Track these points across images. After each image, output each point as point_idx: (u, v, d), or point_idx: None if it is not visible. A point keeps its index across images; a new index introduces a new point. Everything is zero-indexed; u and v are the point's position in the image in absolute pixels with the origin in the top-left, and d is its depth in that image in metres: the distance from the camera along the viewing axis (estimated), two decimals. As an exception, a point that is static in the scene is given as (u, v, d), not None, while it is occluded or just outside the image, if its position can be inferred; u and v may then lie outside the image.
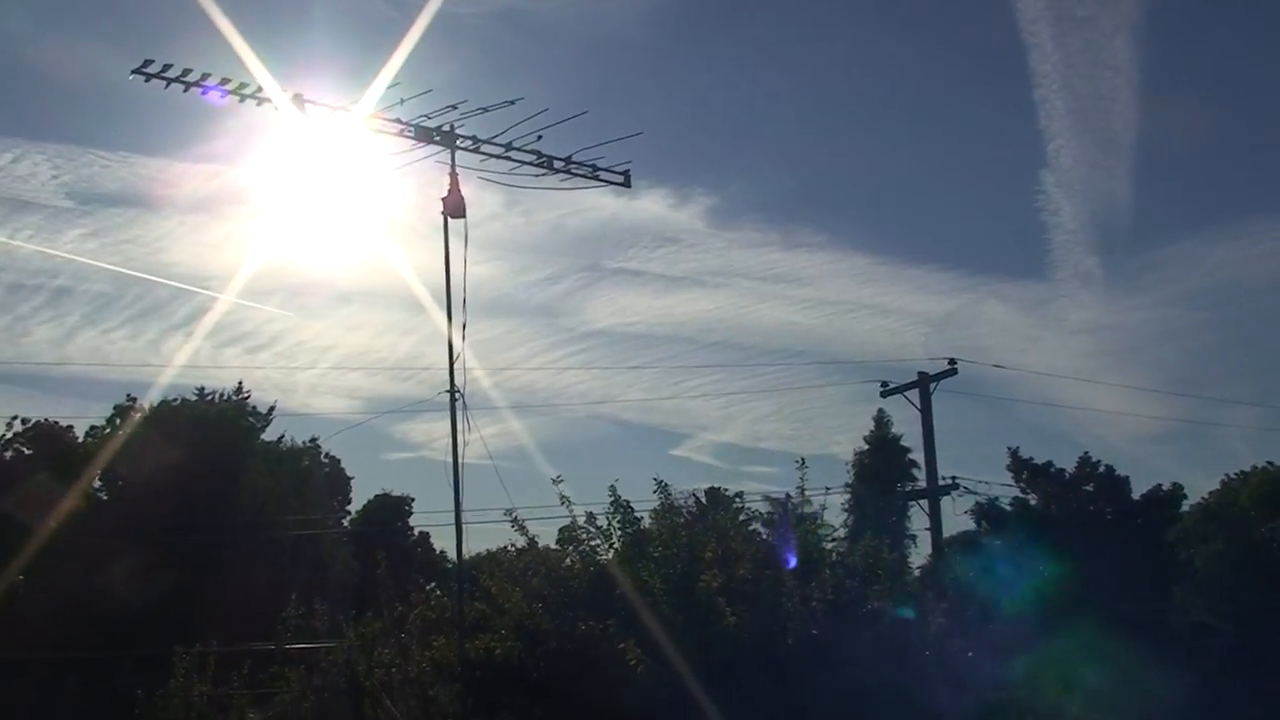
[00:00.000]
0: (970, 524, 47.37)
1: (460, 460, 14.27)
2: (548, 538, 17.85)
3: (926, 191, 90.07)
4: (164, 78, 13.53)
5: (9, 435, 48.37)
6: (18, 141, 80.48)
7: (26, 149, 77.18)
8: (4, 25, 78.23)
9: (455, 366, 14.76)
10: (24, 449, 48.40)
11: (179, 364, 73.15)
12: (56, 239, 73.08)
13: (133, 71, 13.40)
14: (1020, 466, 47.35)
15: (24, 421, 48.78)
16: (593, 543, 16.40)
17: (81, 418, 56.94)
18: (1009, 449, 47.45)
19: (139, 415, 48.78)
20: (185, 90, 13.61)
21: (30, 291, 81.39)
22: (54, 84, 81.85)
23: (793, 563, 15.82)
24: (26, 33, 78.08)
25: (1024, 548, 33.98)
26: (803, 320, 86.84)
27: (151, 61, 13.41)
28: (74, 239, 74.56)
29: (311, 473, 52.93)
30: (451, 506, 14.64)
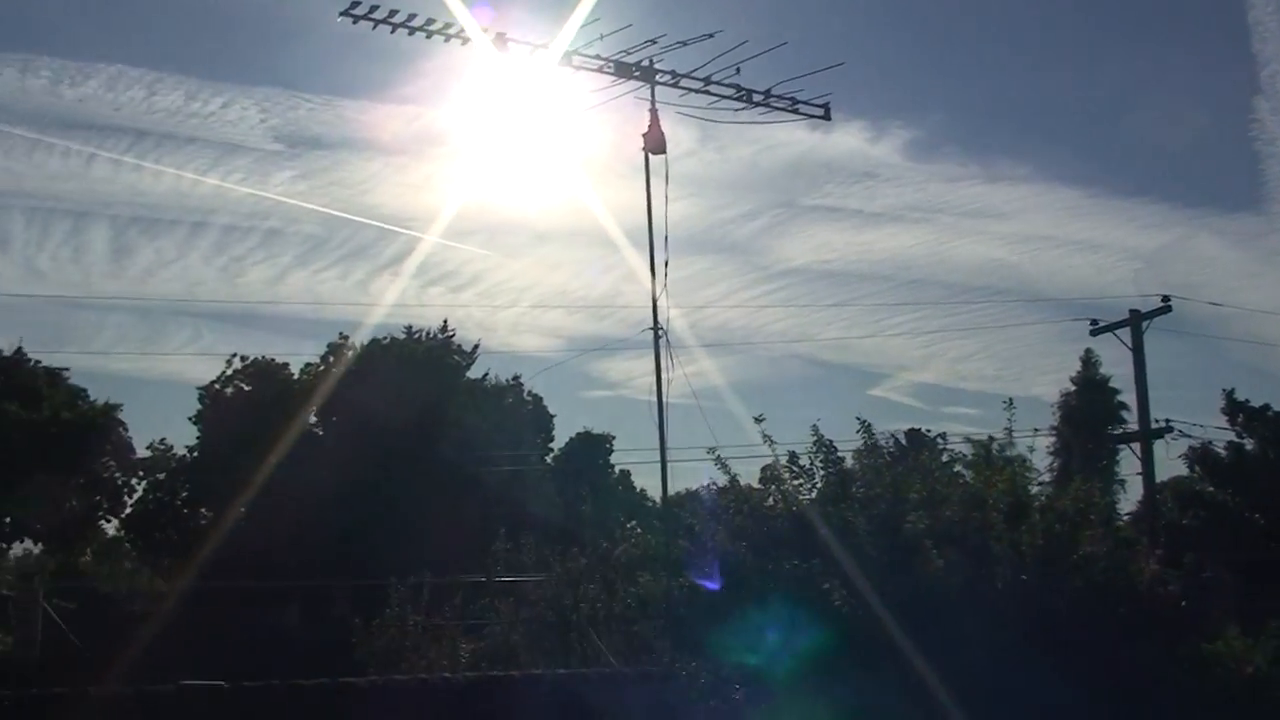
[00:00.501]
0: (1183, 469, 45.77)
1: (665, 398, 14.32)
2: (748, 477, 17.81)
3: (1135, 120, 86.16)
4: (371, 19, 13.80)
5: (229, 372, 50.83)
6: (226, 87, 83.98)
7: (235, 95, 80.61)
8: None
9: (657, 304, 14.78)
10: (243, 385, 50.75)
11: (386, 303, 75.74)
12: (266, 181, 76.23)
13: (340, 13, 13.71)
14: (1236, 409, 45.32)
15: (243, 359, 51.21)
16: (795, 482, 16.25)
17: (295, 355, 59.38)
18: (1224, 391, 45.57)
19: (350, 353, 50.54)
20: (392, 31, 13.86)
21: (244, 233, 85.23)
22: (259, 29, 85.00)
23: None
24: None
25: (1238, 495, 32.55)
26: (1006, 256, 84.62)
27: (359, 3, 13.68)
28: (283, 181, 77.64)
29: (515, 410, 54.00)
30: (652, 444, 14.78)
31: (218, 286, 74.90)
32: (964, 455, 19.06)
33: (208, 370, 61.71)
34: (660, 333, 14.47)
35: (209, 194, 76.25)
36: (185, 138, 75.60)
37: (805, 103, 15.87)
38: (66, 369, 51.48)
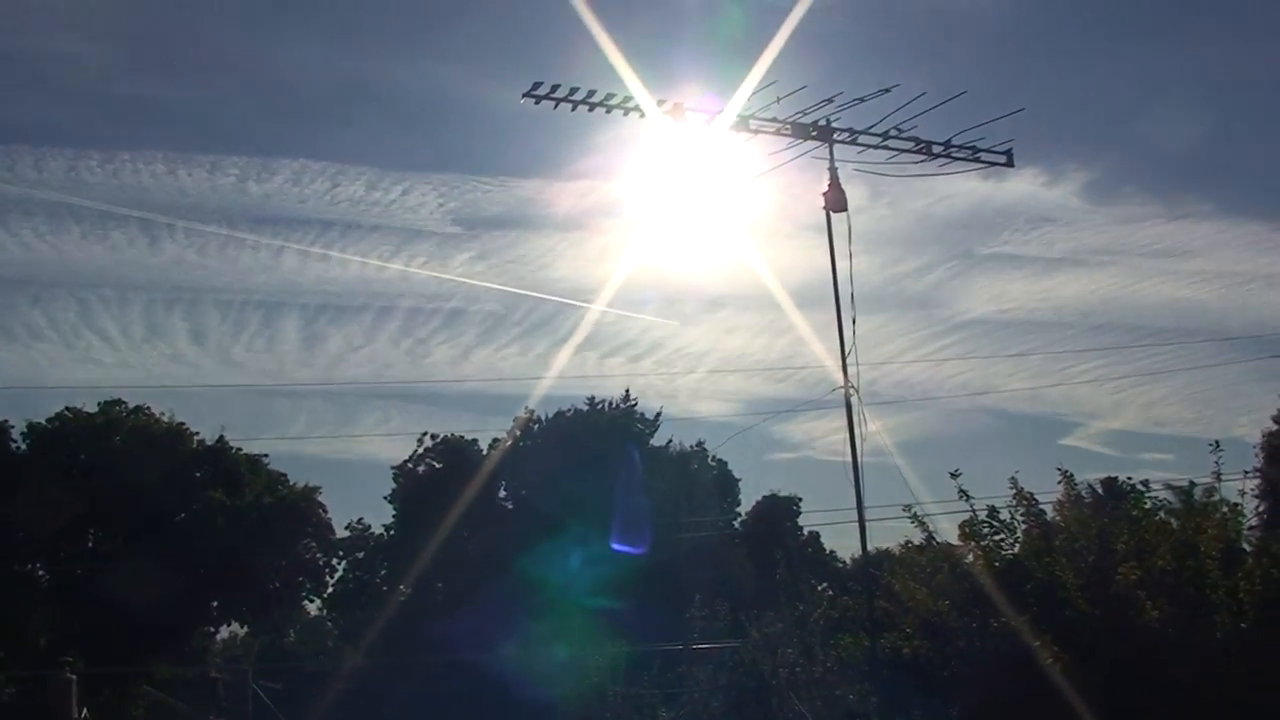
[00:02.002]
0: None
1: (860, 457, 14.21)
2: (944, 534, 17.48)
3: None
4: (553, 98, 14.17)
5: (420, 450, 52.20)
6: (406, 175, 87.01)
7: (414, 182, 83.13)
8: (386, 64, 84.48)
9: (846, 362, 14.71)
10: (434, 463, 52.02)
11: (567, 375, 76.89)
12: (447, 264, 78.43)
13: (524, 94, 14.11)
14: None
15: (433, 437, 52.56)
16: (996, 537, 15.88)
17: (481, 431, 60.68)
18: None
19: (536, 426, 51.40)
20: (573, 109, 14.21)
21: (427, 315, 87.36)
22: (434, 118, 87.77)
23: None
24: (405, 70, 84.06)
25: None
26: (1193, 295, 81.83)
27: (540, 83, 14.08)
28: (463, 262, 79.71)
29: (700, 475, 54.04)
30: (838, 504, 14.70)
31: (405, 368, 77.16)
32: (1168, 502, 18.39)
33: (400, 450, 63.49)
34: (852, 390, 14.35)
35: (393, 279, 78.78)
36: (369, 226, 78.29)
37: (986, 150, 15.69)
38: (266, 455, 53.41)
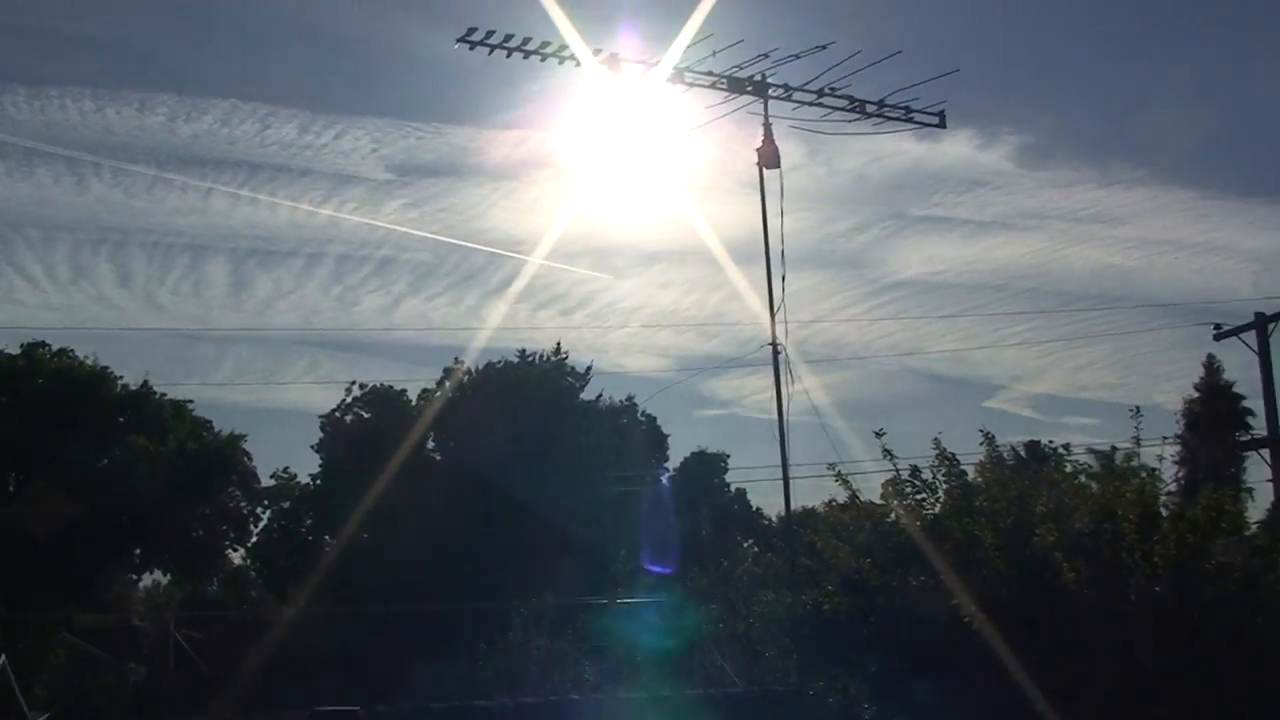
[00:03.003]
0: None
1: (785, 415, 14.28)
2: (868, 493, 17.64)
3: (1254, 118, 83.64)
4: (487, 44, 14.01)
5: (349, 400, 51.72)
6: (340, 118, 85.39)
7: (348, 125, 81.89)
8: (323, 7, 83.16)
9: (775, 319, 14.75)
10: (362, 412, 51.59)
11: (498, 327, 76.44)
12: (379, 210, 77.30)
13: (458, 40, 13.94)
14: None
15: (361, 386, 52.10)
16: (918, 497, 16.08)
17: (411, 381, 59.92)
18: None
19: (466, 377, 51.10)
20: (507, 56, 14.05)
21: (358, 262, 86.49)
22: (367, 61, 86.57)
23: None
24: (341, 13, 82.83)
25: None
26: (1123, 262, 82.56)
27: (475, 29, 13.89)
28: (395, 210, 78.70)
29: (629, 431, 54.04)
30: (766, 462, 14.77)
31: (334, 316, 76.22)
32: (1088, 466, 18.69)
33: (327, 399, 62.86)
34: (779, 349, 14.39)
35: (323, 224, 77.78)
36: (299, 170, 76.94)
37: (920, 111, 15.79)
38: (191, 401, 52.68)
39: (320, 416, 51.99)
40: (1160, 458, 16.45)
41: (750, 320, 15.13)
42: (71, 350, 50.55)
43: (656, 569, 36.56)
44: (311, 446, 51.69)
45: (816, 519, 19.91)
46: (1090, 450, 20.71)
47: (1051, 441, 19.85)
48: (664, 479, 51.48)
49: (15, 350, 49.52)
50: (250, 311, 74.58)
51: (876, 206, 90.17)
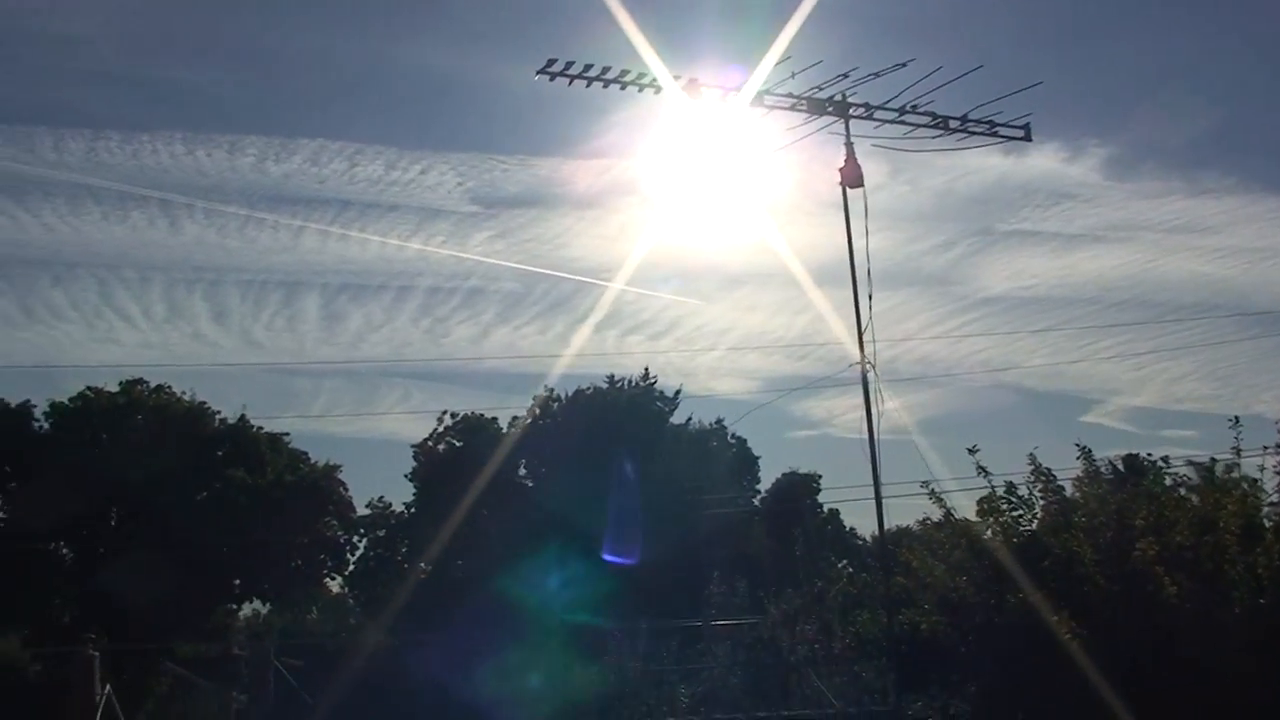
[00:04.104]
0: None
1: (877, 434, 14.23)
2: (963, 511, 17.49)
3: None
4: (567, 75, 14.14)
5: (440, 429, 52.34)
6: (425, 154, 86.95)
7: (433, 161, 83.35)
8: (402, 44, 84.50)
9: (863, 339, 14.72)
10: (454, 441, 52.19)
11: (587, 354, 77.00)
12: (466, 243, 78.45)
13: (538, 71, 14.08)
14: None
15: (452, 416, 52.72)
16: (1014, 513, 15.88)
17: (501, 409, 60.62)
18: None
19: (555, 405, 51.47)
20: (588, 85, 14.19)
21: (447, 294, 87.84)
22: (453, 97, 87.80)
23: None
24: (423, 50, 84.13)
25: None
26: (1215, 271, 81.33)
27: (554, 60, 14.03)
28: (481, 241, 79.80)
29: (720, 453, 54.11)
30: (857, 481, 14.74)
31: (424, 347, 77.30)
32: (1188, 479, 18.37)
33: (419, 429, 63.74)
34: (868, 368, 14.35)
35: (412, 258, 79.00)
36: (387, 205, 78.35)
37: (1004, 125, 15.66)
38: (287, 434, 53.63)
39: (413, 446, 52.83)
40: (1262, 468, 16.07)
41: (838, 340, 15.13)
42: (169, 386, 51.67)
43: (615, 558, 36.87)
44: (405, 475, 52.52)
45: (911, 538, 19.79)
46: (1189, 462, 20.37)
47: (1150, 455, 19.52)
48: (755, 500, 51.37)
49: (115, 388, 50.67)
50: (343, 345, 76.00)
51: (962, 223, 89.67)
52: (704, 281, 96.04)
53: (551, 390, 52.21)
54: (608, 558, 40.24)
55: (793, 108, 15.18)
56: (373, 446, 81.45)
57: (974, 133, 15.64)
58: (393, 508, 53.87)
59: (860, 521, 65.79)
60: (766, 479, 59.24)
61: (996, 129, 15.69)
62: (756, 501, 57.88)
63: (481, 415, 52.94)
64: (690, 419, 53.58)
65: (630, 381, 52.16)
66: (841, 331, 15.76)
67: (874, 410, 14.50)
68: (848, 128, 15.13)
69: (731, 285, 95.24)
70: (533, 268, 77.45)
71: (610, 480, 43.66)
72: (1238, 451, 15.83)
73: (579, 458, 46.08)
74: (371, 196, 77.27)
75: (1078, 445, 16.11)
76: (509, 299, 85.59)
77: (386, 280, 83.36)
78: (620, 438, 46.96)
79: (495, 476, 46.59)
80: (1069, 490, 16.07)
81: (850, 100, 15.17)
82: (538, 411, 51.52)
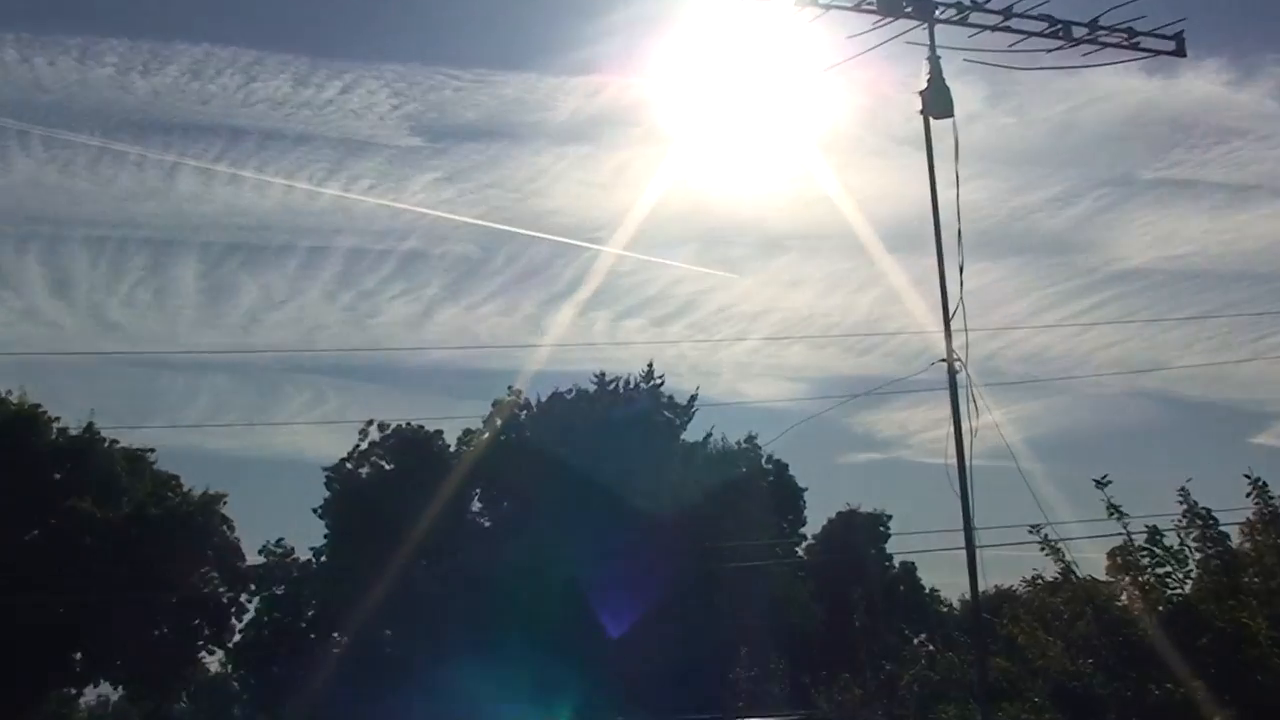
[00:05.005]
0: None
1: (968, 459, 14.20)
2: (1088, 566, 17.55)
3: None
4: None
5: (365, 445, 52.34)
6: (349, 66, 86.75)
7: (359, 74, 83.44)
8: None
9: (951, 326, 14.75)
10: (384, 462, 52.22)
11: (570, 343, 76.86)
12: (403, 188, 78.31)
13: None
14: None
15: (382, 427, 52.67)
16: (1160, 570, 15.98)
17: (449, 419, 60.87)
18: None
19: (524, 413, 51.51)
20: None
21: (376, 259, 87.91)
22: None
23: None
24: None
25: None
26: None
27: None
28: (426, 187, 79.78)
29: (751, 483, 54.03)
30: (945, 524, 14.76)
31: (344, 332, 77.37)
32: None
33: (336, 444, 63.68)
34: (957, 368, 14.33)
35: (328, 209, 79.25)
36: (295, 136, 78.89)
37: (1149, 34, 15.60)
38: (151, 450, 53.41)
39: (326, 469, 52.71)
40: None
41: (915, 328, 15.17)
42: (-11, 382, 51.42)
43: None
44: (314, 510, 52.47)
45: (1015, 604, 19.86)
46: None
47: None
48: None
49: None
50: (231, 327, 76.01)
51: (1089, 168, 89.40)
52: (732, 246, 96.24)
53: (519, 394, 52.19)
54: (606, 627, 40.39)
55: (858, 7, 15.14)
56: (270, 468, 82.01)
57: (1106, 44, 15.60)
58: (296, 555, 54.00)
59: (944, 579, 65.77)
60: (815, 519, 59.45)
61: (1137, 39, 15.66)
62: (801, 550, 57.95)
63: (421, 427, 53.02)
64: (710, 435, 53.54)
65: (628, 382, 52.17)
66: (921, 315, 15.80)
67: (965, 426, 14.47)
68: (932, 35, 15.07)
69: (770, 251, 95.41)
70: (495, 224, 77.67)
71: (599, 520, 43.70)
72: None
73: (556, 488, 46.09)
74: (273, 123, 77.83)
75: (1247, 477, 16.19)
76: (462, 267, 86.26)
77: (292, 239, 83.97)
78: (614, 460, 46.97)
79: (440, 513, 46.65)
80: (1235, 539, 16.16)
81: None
82: (499, 423, 51.51)
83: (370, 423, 53.14)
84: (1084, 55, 15.75)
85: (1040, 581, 17.26)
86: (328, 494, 52.40)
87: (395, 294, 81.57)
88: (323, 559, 52.59)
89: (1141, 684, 14.91)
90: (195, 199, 77.70)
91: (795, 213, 65.13)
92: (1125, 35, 15.60)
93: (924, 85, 14.98)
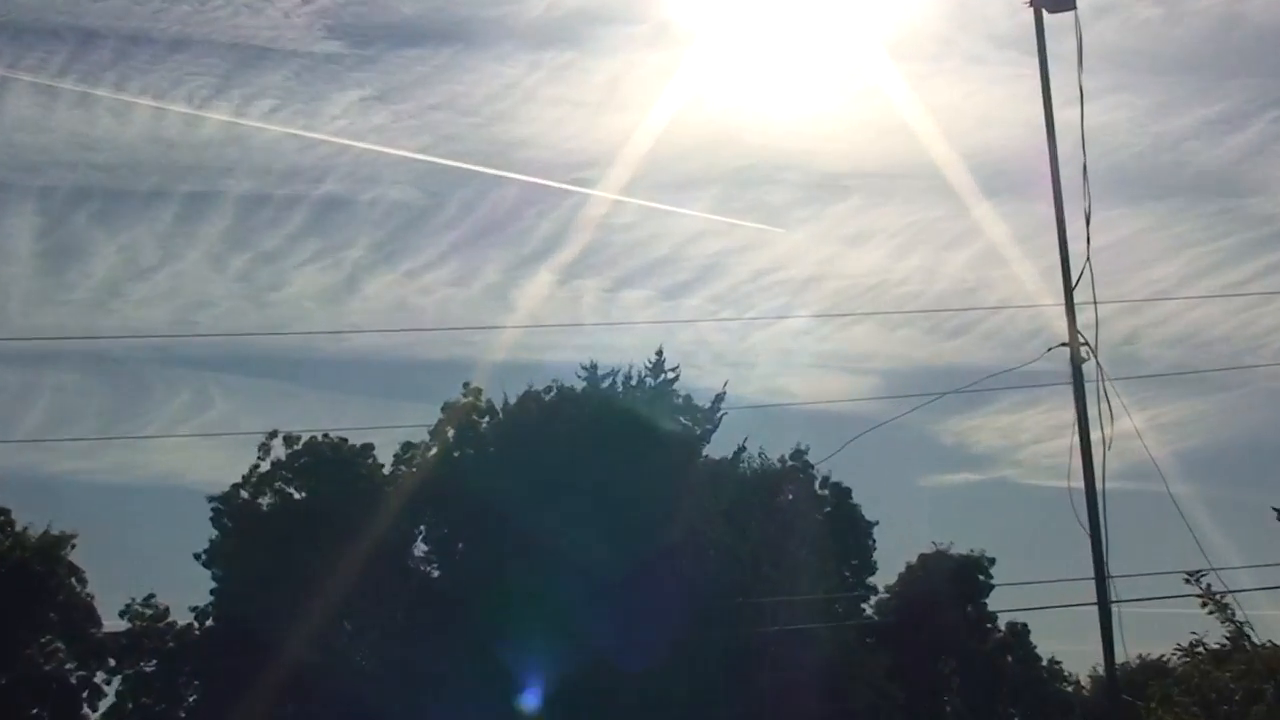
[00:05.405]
0: None
1: (1100, 481, 14.28)
2: (1267, 629, 17.61)
3: None
4: None
5: (266, 465, 52.40)
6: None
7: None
8: None
9: (1073, 299, 14.84)
10: (290, 488, 52.24)
11: (546, 323, 76.49)
12: (318, 111, 78.36)
13: None
14: None
15: (290, 441, 52.68)
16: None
17: (384, 428, 61.03)
18: None
19: (484, 420, 51.57)
20: None
21: (280, 209, 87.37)
22: None
23: None
24: None
25: None
26: None
27: None
28: (347, 110, 79.68)
29: (800, 516, 53.89)
30: (1067, 571, 14.78)
31: (238, 310, 77.21)
32: None
33: (227, 465, 63.51)
34: (1085, 351, 14.44)
35: (214, 140, 78.66)
36: (167, 41, 78.28)
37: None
38: (-31, 475, 53.56)
39: (213, 499, 52.77)
40: None
41: (1025, 301, 15.26)
42: None
43: None
44: (197, 555, 52.52)
45: (1166, 678, 19.93)
46: None
47: None
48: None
49: None
50: (81, 306, 75.96)
51: (1261, 80, 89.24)
52: (771, 189, 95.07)
53: (478, 394, 52.23)
54: None
55: None
56: (136, 498, 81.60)
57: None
58: (172, 618, 54.00)
59: (1068, 646, 65.65)
60: (889, 564, 59.71)
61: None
62: (870, 606, 57.98)
63: (344, 441, 53.09)
64: (744, 450, 53.66)
65: (629, 377, 52.21)
66: (1032, 282, 15.89)
67: (1095, 435, 14.54)
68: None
69: (823, 196, 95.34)
70: (443, 160, 77.41)
71: (589, 571, 43.76)
72: None
73: (529, 524, 46.15)
74: (138, 24, 77.35)
75: None
76: (398, 219, 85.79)
77: (165, 182, 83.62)
78: (609, 485, 47.01)
79: (371, 559, 46.77)
80: None
81: None
82: (451, 435, 51.59)
83: (273, 434, 53.39)
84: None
85: (1201, 649, 17.32)
86: (215, 533, 52.46)
87: (306, 258, 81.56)
88: (208, 623, 52.63)
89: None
90: (31, 127, 77.77)
91: (859, 143, 64.88)
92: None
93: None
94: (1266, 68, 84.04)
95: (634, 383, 52.26)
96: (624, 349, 55.75)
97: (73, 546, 53.01)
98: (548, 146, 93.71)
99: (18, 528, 53.01)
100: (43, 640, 52.77)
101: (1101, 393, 14.44)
